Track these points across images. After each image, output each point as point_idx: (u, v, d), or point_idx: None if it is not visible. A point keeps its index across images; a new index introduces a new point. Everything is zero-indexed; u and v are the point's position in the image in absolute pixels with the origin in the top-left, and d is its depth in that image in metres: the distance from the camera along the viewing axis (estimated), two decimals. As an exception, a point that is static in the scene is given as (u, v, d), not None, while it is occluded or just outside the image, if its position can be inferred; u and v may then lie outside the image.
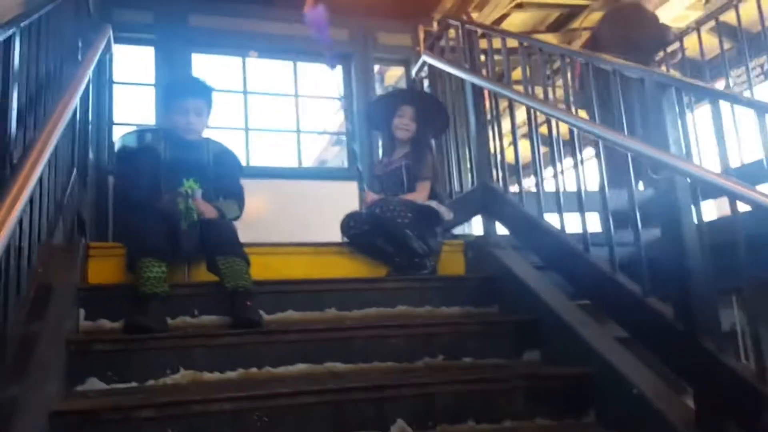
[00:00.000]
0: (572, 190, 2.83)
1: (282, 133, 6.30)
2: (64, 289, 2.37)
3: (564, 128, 2.94)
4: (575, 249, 2.66)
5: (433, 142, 3.57)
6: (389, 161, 3.45)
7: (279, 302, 2.77)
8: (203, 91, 3.05)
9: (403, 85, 7.22)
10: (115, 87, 5.44)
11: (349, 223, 3.22)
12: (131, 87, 5.72)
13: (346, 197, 6.25)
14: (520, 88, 3.33)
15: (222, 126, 5.90)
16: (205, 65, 5.85)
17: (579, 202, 2.66)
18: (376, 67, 6.57)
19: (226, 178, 3.07)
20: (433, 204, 3.21)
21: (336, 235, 6.26)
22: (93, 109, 3.16)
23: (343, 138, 6.87)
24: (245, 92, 5.80)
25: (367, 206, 3.19)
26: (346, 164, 6.47)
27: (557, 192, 2.85)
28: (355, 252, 3.22)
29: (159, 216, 2.74)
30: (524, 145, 3.47)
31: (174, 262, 2.74)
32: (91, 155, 4.40)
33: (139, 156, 3.07)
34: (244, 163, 5.85)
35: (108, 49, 3.33)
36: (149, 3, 5.50)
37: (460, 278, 3.08)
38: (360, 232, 3.18)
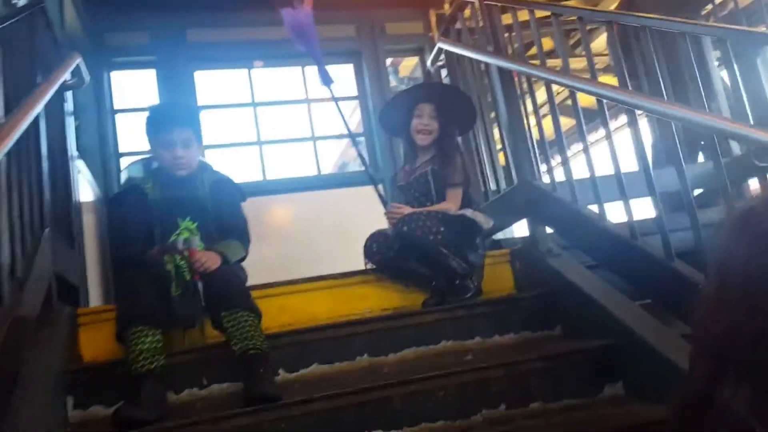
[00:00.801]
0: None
1: (298, 143, 5.83)
2: (38, 374, 1.90)
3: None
4: (647, 252, 2.11)
5: (460, 139, 3.02)
6: (412, 168, 2.92)
7: (301, 355, 2.28)
8: (188, 119, 2.56)
9: (419, 76, 6.67)
10: (120, 115, 5.03)
11: (372, 248, 2.71)
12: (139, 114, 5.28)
13: (372, 201, 5.81)
14: (554, 63, 2.76)
15: (234, 143, 5.50)
16: (209, 82, 5.40)
17: (649, 185, 2.11)
18: (389, 60, 6.02)
19: (225, 212, 2.58)
20: (468, 212, 2.68)
21: (353, 252, 5.93)
22: (57, 151, 2.66)
23: (363, 139, 6.33)
24: (254, 104, 5.32)
25: (392, 223, 2.66)
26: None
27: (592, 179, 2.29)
28: (384, 279, 2.71)
29: (150, 274, 2.27)
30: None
31: (170, 328, 2.27)
32: (93, 194, 3.99)
33: (126, 200, 2.58)
34: (259, 177, 5.46)
35: (79, 77, 2.86)
36: (143, 23, 5.03)
37: (511, 298, 2.54)
38: (386, 257, 2.66)
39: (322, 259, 5.45)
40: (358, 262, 5.36)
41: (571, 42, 7.08)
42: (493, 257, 2.82)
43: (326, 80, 2.97)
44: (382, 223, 5.76)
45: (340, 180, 5.85)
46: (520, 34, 2.84)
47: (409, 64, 7.36)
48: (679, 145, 2.20)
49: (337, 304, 2.65)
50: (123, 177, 4.54)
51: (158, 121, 2.53)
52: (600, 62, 7.51)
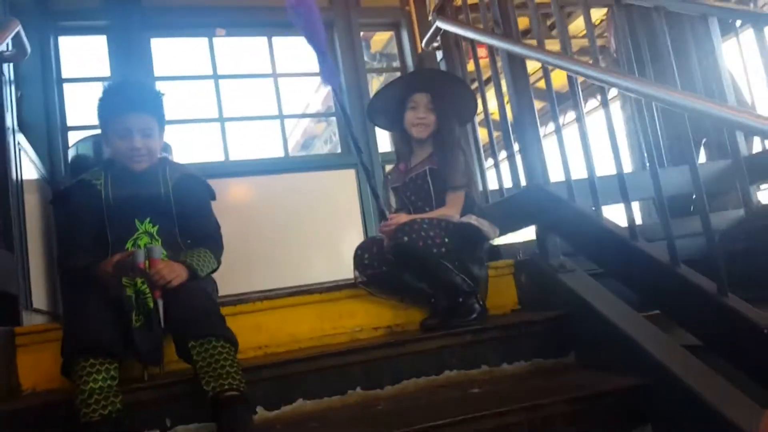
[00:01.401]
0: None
1: (263, 121, 5.38)
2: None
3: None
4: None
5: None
6: (407, 167, 2.55)
7: (284, 390, 1.93)
8: (149, 102, 2.13)
9: (392, 52, 6.27)
10: (69, 85, 4.51)
11: (363, 259, 2.35)
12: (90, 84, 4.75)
13: (344, 188, 5.43)
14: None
15: (193, 119, 5.03)
16: (166, 50, 4.90)
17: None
18: (360, 34, 5.60)
19: (192, 214, 2.18)
20: (473, 220, 2.33)
21: (338, 238, 5.56)
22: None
23: (333, 119, 5.91)
24: (216, 77, 4.86)
25: (386, 232, 2.30)
26: (338, 148, 5.57)
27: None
28: (377, 293, 2.36)
29: (103, 295, 1.86)
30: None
31: (128, 359, 1.88)
32: (37, 173, 3.49)
33: (72, 198, 2.14)
34: (221, 158, 5.01)
35: (19, 48, 2.39)
36: (93, -18, 4.51)
37: (522, 322, 2.20)
38: (379, 270, 2.31)
39: (289, 250, 5.09)
40: (328, 255, 5.03)
41: (548, 23, 6.77)
42: (495, 268, 2.50)
43: (330, 78, 2.52)
44: (355, 212, 5.47)
45: (310, 163, 5.44)
46: (537, 16, 2.47)
47: (380, 39, 6.95)
48: (691, 142, 1.94)
49: (321, 323, 2.29)
50: (71, 154, 4.04)
51: (113, 104, 2.09)
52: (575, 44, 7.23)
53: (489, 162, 3.12)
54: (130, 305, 1.88)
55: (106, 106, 2.09)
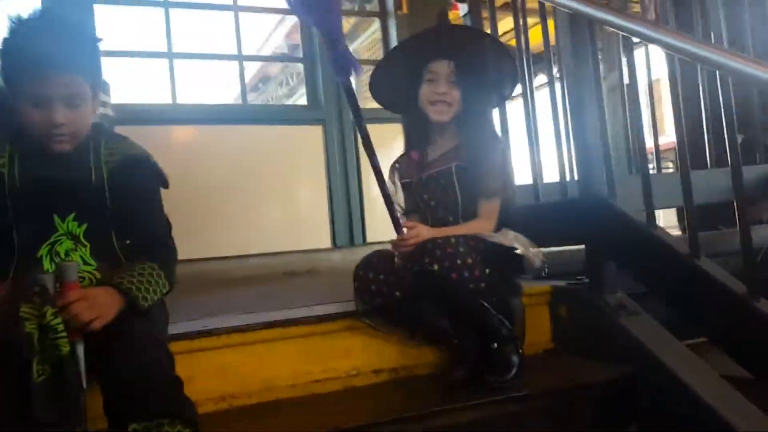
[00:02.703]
0: None
1: (219, 61, 4.58)
2: None
3: None
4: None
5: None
6: (421, 158, 1.91)
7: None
8: (81, 57, 1.40)
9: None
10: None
11: (369, 282, 1.71)
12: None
13: (310, 147, 4.73)
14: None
15: (136, 51, 4.19)
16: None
17: None
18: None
19: (135, 211, 1.49)
20: (511, 237, 1.74)
21: (300, 201, 4.86)
22: None
23: (300, 65, 5.12)
24: (166, 4, 4.01)
25: (403, 251, 1.68)
26: (298, 94, 4.84)
27: None
28: (382, 327, 1.75)
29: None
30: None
31: None
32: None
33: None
34: (168, 100, 4.21)
35: None
36: None
37: (576, 387, 1.63)
38: (391, 299, 1.69)
39: (243, 213, 4.39)
40: (288, 220, 4.36)
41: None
42: (528, 296, 1.91)
43: (341, 71, 1.66)
44: (321, 174, 4.76)
45: (273, 114, 4.67)
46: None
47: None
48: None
49: (308, 364, 1.67)
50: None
51: (26, 56, 1.35)
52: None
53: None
54: (30, 349, 1.21)
55: (13, 56, 1.35)
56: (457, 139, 1.86)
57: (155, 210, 1.55)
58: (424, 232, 1.67)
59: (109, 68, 3.80)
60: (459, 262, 1.58)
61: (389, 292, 1.68)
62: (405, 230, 1.70)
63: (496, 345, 1.65)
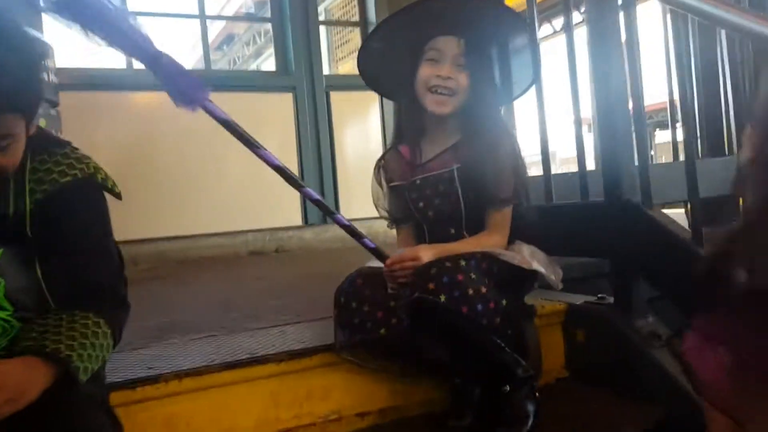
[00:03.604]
0: None
1: (180, 20, 4.10)
2: None
3: None
4: None
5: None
6: (415, 156, 1.53)
7: None
8: (9, 92, 0.98)
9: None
10: None
11: (351, 313, 1.35)
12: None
13: (279, 116, 4.30)
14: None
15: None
16: None
17: None
18: None
19: (67, 250, 1.10)
20: (526, 254, 1.41)
21: (268, 176, 4.37)
22: None
23: (252, 11, 4.67)
24: (119, -47, 3.50)
25: (398, 276, 1.34)
26: (265, 55, 4.43)
27: None
28: (367, 363, 1.41)
29: None
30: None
31: None
32: None
33: None
34: (123, 64, 3.74)
35: None
36: None
37: None
38: (377, 335, 1.34)
39: (206, 188, 3.97)
40: (255, 197, 3.97)
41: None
42: (539, 316, 1.60)
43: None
44: (291, 146, 4.35)
45: (239, 81, 4.22)
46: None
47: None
48: None
49: (277, 409, 1.33)
50: None
51: None
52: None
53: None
54: None
55: None
56: (458, 134, 1.49)
57: (100, 247, 1.14)
58: (425, 253, 1.32)
59: (53, 28, 3.32)
60: (471, 292, 1.24)
61: (374, 328, 1.33)
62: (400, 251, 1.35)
63: (508, 388, 1.33)
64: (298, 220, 4.08)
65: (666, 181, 1.72)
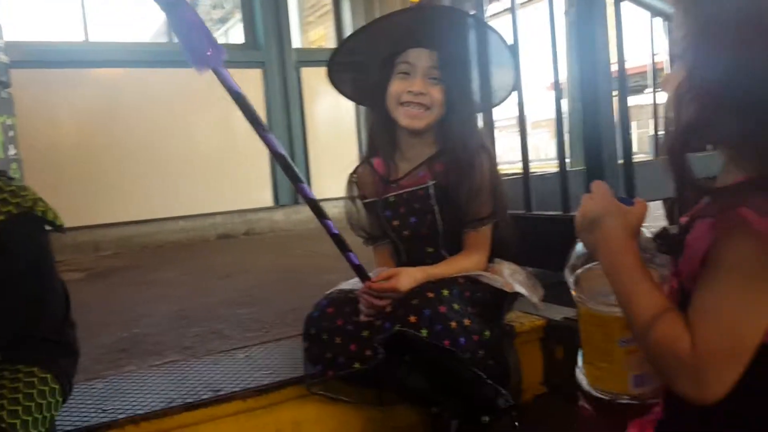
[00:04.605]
0: None
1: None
2: None
3: None
4: None
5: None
6: (388, 171, 1.41)
7: None
8: None
9: None
10: None
11: (321, 345, 1.25)
12: None
13: (247, 93, 4.09)
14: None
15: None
16: None
17: None
18: None
19: (8, 302, 0.98)
20: (518, 286, 1.33)
21: (235, 159, 4.25)
22: None
23: None
24: None
25: (374, 304, 1.24)
26: (233, 30, 4.25)
27: None
28: (338, 394, 1.32)
29: None
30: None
31: None
32: None
33: None
34: (80, 38, 3.53)
35: None
36: None
37: None
38: (356, 369, 1.25)
39: (169, 171, 3.80)
40: (222, 181, 3.82)
41: None
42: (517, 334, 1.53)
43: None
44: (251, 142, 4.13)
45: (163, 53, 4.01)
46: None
47: None
48: None
49: (247, 450, 1.25)
50: None
51: None
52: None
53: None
54: None
55: None
56: (433, 148, 1.39)
57: (44, 290, 1.02)
58: (405, 282, 1.23)
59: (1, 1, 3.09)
60: (454, 325, 1.15)
61: (347, 362, 1.24)
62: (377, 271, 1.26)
63: (488, 419, 1.27)
64: (268, 201, 3.95)
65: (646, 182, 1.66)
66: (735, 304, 0.60)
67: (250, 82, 3.81)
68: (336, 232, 1.24)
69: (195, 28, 1.09)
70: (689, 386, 0.62)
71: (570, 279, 0.79)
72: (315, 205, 1.23)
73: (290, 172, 1.22)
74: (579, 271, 0.78)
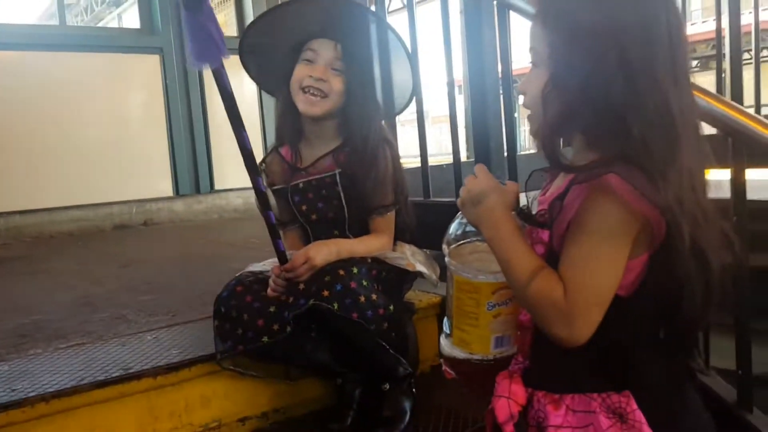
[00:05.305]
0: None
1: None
2: None
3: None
4: None
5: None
6: (294, 159, 1.49)
7: None
8: None
9: None
10: None
11: (231, 322, 1.31)
12: None
13: (144, 80, 4.00)
14: None
15: None
16: None
17: None
18: None
19: None
20: (409, 254, 1.45)
21: (134, 146, 4.11)
22: None
23: None
24: None
25: (289, 279, 1.31)
26: (131, 15, 4.13)
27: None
28: (249, 373, 1.38)
29: None
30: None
31: None
32: None
33: None
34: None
35: None
36: None
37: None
38: (264, 343, 1.31)
39: (64, 159, 3.64)
40: (120, 168, 3.71)
41: None
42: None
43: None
44: (159, 112, 4.04)
45: (98, 40, 3.86)
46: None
47: None
48: None
49: (154, 422, 1.28)
50: None
51: None
52: None
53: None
54: None
55: None
56: (338, 140, 1.48)
57: None
58: (318, 256, 1.31)
59: None
60: (362, 299, 1.25)
61: (256, 337, 1.31)
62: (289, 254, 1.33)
63: (388, 386, 1.37)
64: (168, 191, 3.88)
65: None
66: (597, 258, 0.72)
67: (148, 67, 3.73)
68: (274, 222, 1.31)
69: (206, 27, 1.11)
70: (563, 329, 0.73)
71: (447, 251, 0.89)
72: (264, 199, 1.28)
73: (251, 165, 1.24)
74: (453, 246, 0.88)
